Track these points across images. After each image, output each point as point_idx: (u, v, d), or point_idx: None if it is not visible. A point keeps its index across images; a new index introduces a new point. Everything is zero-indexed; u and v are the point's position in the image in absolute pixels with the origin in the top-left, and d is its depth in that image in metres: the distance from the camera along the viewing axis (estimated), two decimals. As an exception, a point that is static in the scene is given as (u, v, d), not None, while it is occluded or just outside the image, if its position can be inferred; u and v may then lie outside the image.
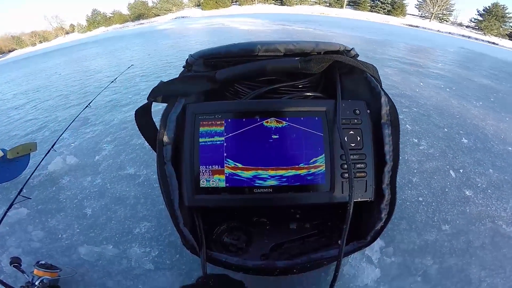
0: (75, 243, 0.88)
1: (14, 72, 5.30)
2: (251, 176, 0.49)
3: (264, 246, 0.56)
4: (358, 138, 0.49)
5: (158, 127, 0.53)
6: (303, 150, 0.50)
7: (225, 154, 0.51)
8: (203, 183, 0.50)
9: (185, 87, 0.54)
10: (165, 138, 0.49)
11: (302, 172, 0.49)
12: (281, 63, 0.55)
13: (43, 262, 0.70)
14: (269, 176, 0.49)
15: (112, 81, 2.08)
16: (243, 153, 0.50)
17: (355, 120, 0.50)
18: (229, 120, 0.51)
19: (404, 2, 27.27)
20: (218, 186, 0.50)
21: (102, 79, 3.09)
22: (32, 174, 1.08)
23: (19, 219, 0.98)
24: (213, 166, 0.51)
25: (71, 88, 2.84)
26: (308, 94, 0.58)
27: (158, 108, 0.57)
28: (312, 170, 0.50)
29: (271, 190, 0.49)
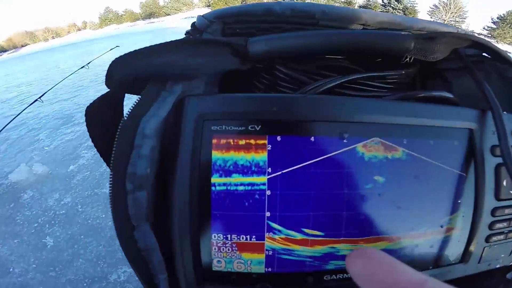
0: (29, 282, 0.63)
1: (18, 66, 5.20)
2: (322, 254, 0.22)
3: None
4: None
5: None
6: (431, 204, 0.23)
7: (268, 214, 0.22)
8: (217, 265, 0.23)
9: (186, 61, 0.25)
10: (132, 171, 0.21)
11: (421, 241, 0.23)
12: (384, 37, 0.28)
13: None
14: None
15: (83, 67, 1.74)
16: (309, 211, 0.22)
17: None
18: (279, 137, 0.23)
19: (416, 8, 26.84)
20: (251, 271, 0.23)
21: (99, 73, 2.87)
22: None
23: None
24: (241, 237, 0.23)
25: (65, 82, 2.62)
26: (431, 93, 0.30)
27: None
28: (440, 236, 0.23)
29: None
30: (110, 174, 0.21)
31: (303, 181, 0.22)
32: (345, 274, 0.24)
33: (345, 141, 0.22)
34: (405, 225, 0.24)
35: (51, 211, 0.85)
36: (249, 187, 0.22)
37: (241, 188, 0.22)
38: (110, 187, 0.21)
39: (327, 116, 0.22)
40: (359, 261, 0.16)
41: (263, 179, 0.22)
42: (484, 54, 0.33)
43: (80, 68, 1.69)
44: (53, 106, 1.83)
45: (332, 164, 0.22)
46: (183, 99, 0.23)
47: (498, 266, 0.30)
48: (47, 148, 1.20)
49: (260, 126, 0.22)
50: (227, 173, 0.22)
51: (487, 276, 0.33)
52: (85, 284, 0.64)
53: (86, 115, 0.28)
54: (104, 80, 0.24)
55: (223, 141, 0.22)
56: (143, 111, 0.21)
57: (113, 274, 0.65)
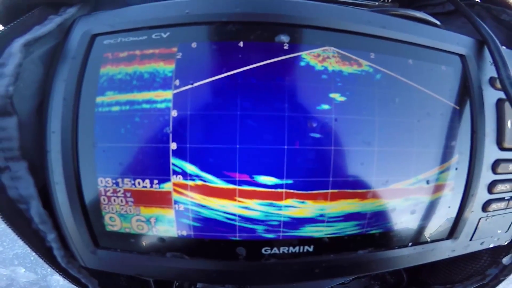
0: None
1: None
2: (259, 213, 0.14)
3: None
4: None
5: None
6: (413, 144, 0.16)
7: (173, 146, 0.15)
8: (111, 224, 0.15)
9: None
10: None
11: (399, 201, 0.15)
12: None
13: None
14: (318, 211, 0.14)
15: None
16: (235, 142, 0.15)
17: None
18: (195, 44, 0.16)
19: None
20: (157, 234, 0.15)
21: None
22: None
23: None
24: (136, 181, 0.16)
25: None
26: (408, 12, 0.25)
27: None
28: (424, 197, 0.18)
29: (311, 249, 0.16)
30: None
31: (226, 98, 0.15)
32: (291, 248, 0.16)
33: (285, 47, 0.16)
34: (377, 173, 0.17)
35: None
36: (146, 106, 0.15)
37: (135, 107, 0.15)
38: None
39: (262, 16, 0.16)
40: None
41: (167, 94, 0.15)
42: None
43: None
44: None
45: (268, 75, 0.16)
46: (74, 20, 0.18)
47: (491, 245, 0.24)
48: None
49: (168, 34, 0.16)
50: (117, 89, 0.16)
51: (473, 257, 0.27)
52: None
53: None
54: None
55: (116, 55, 0.16)
56: (19, 31, 0.16)
57: None
